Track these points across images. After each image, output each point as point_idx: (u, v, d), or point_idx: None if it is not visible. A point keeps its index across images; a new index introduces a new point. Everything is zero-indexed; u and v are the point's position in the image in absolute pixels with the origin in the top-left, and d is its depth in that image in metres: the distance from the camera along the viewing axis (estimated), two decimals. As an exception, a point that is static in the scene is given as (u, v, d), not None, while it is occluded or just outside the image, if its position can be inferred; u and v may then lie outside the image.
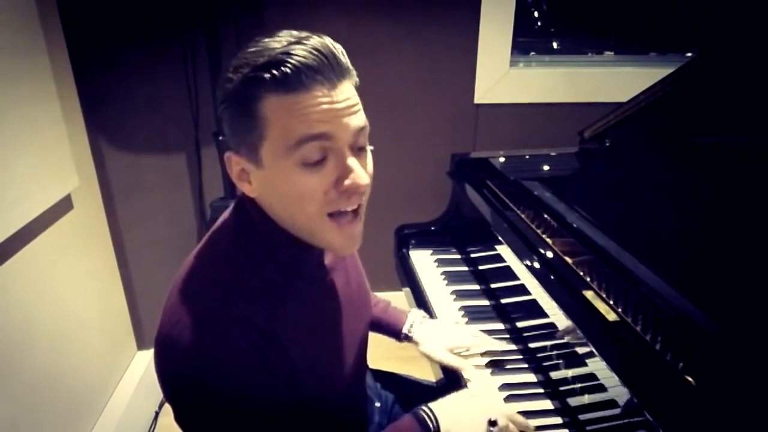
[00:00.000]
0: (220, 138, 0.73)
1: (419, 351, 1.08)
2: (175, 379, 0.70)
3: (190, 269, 0.74)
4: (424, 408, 0.83)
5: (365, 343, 0.96)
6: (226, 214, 0.80)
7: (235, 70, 0.65)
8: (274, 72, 0.63)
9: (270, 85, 0.63)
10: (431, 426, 0.81)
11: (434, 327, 1.11)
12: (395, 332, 1.10)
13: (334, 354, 0.82)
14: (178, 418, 0.75)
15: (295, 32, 0.67)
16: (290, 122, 0.64)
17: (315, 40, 0.65)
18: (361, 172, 0.68)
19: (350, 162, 0.67)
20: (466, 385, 1.02)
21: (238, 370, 0.67)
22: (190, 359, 0.67)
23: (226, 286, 0.71)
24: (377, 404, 1.10)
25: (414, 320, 1.11)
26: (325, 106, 0.64)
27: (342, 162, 0.67)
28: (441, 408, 0.84)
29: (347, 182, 0.67)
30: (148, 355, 1.95)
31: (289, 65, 0.63)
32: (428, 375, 1.23)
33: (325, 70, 0.64)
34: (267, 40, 0.66)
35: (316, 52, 0.64)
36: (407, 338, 1.10)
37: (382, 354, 1.25)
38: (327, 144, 0.66)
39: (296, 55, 0.63)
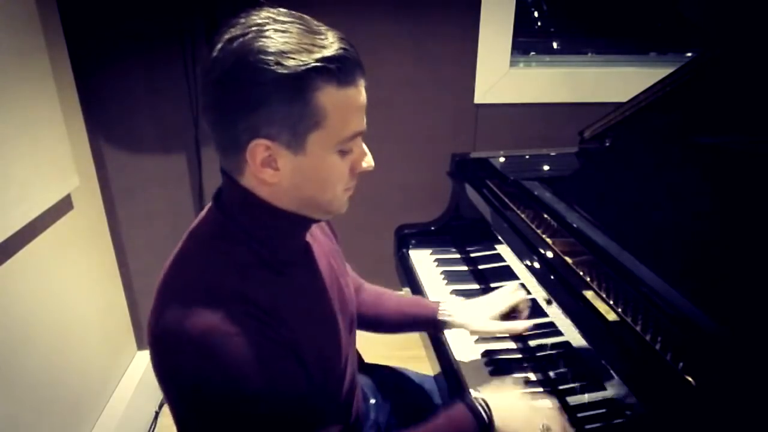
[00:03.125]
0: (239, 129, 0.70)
1: (469, 331, 1.07)
2: (183, 370, 0.69)
3: (177, 265, 0.75)
4: (477, 398, 0.84)
5: (354, 324, 0.96)
6: (202, 214, 0.81)
7: (283, 56, 0.64)
8: (338, 65, 0.67)
9: (330, 77, 0.67)
10: (485, 417, 0.82)
11: (469, 304, 1.10)
12: (431, 322, 1.09)
13: (328, 332, 0.84)
14: (184, 417, 0.74)
15: (311, 20, 0.70)
16: (346, 116, 0.70)
17: (340, 35, 0.70)
18: (370, 155, 0.77)
19: (365, 148, 0.77)
20: (467, 386, 1.02)
21: (246, 348, 0.67)
22: (197, 345, 0.66)
23: (218, 267, 0.72)
24: (372, 401, 1.10)
25: (446, 305, 1.09)
26: (364, 102, 0.72)
27: (361, 148, 0.76)
28: (495, 401, 0.85)
29: (365, 165, 0.76)
30: (148, 355, 1.95)
31: (349, 60, 0.68)
32: (426, 371, 1.23)
33: (362, 66, 0.71)
34: (293, 31, 0.66)
35: (353, 49, 0.70)
36: (444, 325, 1.08)
37: (382, 354, 1.25)
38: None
39: (350, 50, 0.68)
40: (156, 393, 1.95)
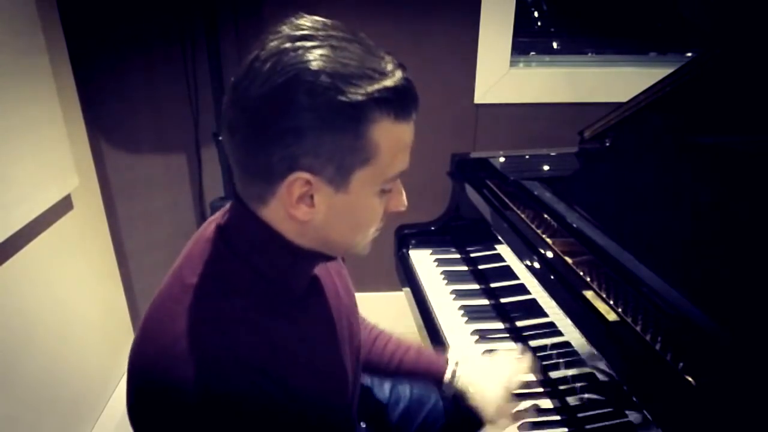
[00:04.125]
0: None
1: (475, 401, 0.93)
2: (178, 393, 0.60)
3: (177, 286, 0.66)
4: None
5: (360, 356, 0.88)
6: (200, 246, 0.69)
7: (343, 80, 0.56)
8: (398, 98, 0.60)
9: (389, 110, 0.59)
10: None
11: (480, 369, 0.97)
12: (433, 379, 0.98)
13: (334, 376, 0.77)
14: None
15: (365, 37, 0.62)
16: (397, 153, 0.63)
17: (396, 59, 0.63)
18: (405, 195, 0.70)
19: (401, 188, 0.69)
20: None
21: (240, 378, 0.60)
22: (197, 366, 0.59)
23: (223, 294, 0.64)
24: (363, 425, 1.05)
25: (453, 371, 0.97)
26: (412, 138, 0.65)
27: (399, 188, 0.69)
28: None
29: (401, 208, 0.70)
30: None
31: (409, 93, 0.61)
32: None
33: (417, 100, 0.64)
34: (353, 51, 0.58)
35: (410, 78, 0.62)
36: (449, 389, 0.97)
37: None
38: None
39: (410, 80, 0.62)
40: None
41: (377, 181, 0.63)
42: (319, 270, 0.76)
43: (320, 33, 0.59)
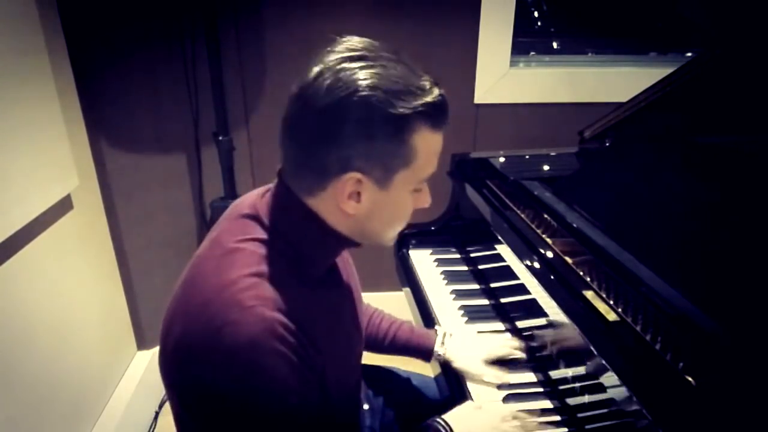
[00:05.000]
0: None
1: (454, 367, 1.07)
2: (217, 379, 0.68)
3: (211, 274, 0.72)
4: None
5: (363, 339, 0.98)
6: (234, 222, 0.78)
7: (395, 96, 0.67)
8: (437, 112, 0.71)
9: (428, 121, 0.70)
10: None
11: (465, 340, 1.11)
12: (426, 352, 1.11)
13: (348, 352, 0.86)
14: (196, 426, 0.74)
15: (406, 57, 0.72)
16: (431, 158, 0.75)
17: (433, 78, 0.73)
18: (429, 194, 0.81)
19: (427, 187, 0.80)
20: (470, 394, 1.02)
21: (284, 366, 0.68)
22: (236, 357, 0.66)
23: (260, 282, 0.70)
24: (366, 406, 1.09)
25: (443, 337, 1.11)
26: (441, 147, 0.76)
27: (426, 188, 0.80)
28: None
29: (426, 204, 0.81)
30: (148, 355, 1.95)
31: (444, 107, 0.72)
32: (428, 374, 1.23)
33: (448, 113, 0.74)
34: (400, 71, 0.69)
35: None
36: (438, 356, 1.09)
37: (383, 355, 1.25)
38: None
39: (445, 96, 0.72)
40: (156, 393, 1.95)
41: (413, 181, 0.74)
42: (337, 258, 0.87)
43: (372, 54, 0.69)
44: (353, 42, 0.71)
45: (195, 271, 0.76)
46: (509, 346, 1.09)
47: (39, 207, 1.34)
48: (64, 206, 1.49)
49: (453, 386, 1.05)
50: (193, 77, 1.78)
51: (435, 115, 0.71)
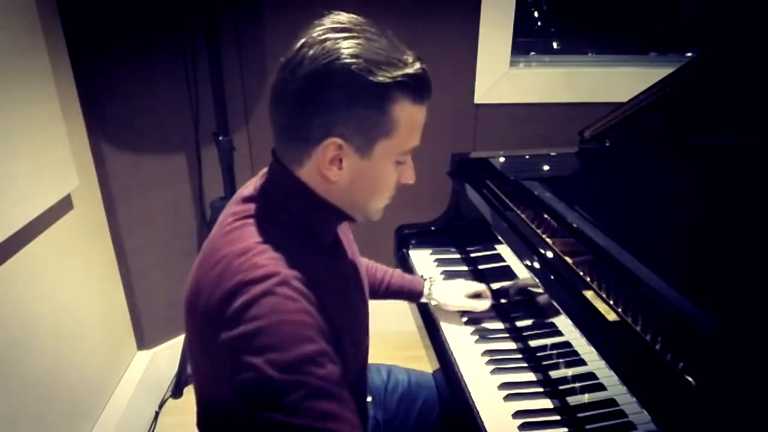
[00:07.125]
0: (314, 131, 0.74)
1: (440, 304, 1.25)
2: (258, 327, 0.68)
3: (230, 241, 0.75)
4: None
5: (368, 314, 0.99)
6: (243, 198, 0.81)
7: (375, 65, 0.69)
8: (418, 84, 0.72)
9: (408, 93, 0.72)
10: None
11: (446, 284, 1.29)
12: (415, 294, 1.27)
13: (358, 318, 0.89)
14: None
15: (392, 35, 0.74)
16: (412, 130, 0.76)
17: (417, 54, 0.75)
18: (413, 171, 0.83)
19: (412, 164, 0.82)
20: (466, 383, 1.02)
21: (311, 316, 0.69)
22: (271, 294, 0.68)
23: (273, 248, 0.73)
24: (369, 399, 1.11)
25: (430, 282, 1.27)
26: (424, 120, 0.78)
27: (410, 163, 0.82)
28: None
29: (410, 180, 0.82)
30: (148, 355, 1.95)
31: (425, 81, 0.74)
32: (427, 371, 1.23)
33: (431, 88, 0.76)
34: (382, 44, 0.71)
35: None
36: (427, 298, 1.26)
37: (382, 353, 1.25)
38: None
39: (426, 71, 0.74)
40: (156, 393, 1.95)
41: (394, 153, 0.76)
42: (340, 232, 0.91)
43: (357, 27, 0.72)
44: (340, 17, 0.73)
45: (207, 250, 0.78)
46: (483, 289, 1.26)
47: (39, 207, 1.34)
48: (64, 206, 1.49)
49: (450, 379, 1.06)
50: (194, 77, 1.78)
51: (415, 86, 0.72)
